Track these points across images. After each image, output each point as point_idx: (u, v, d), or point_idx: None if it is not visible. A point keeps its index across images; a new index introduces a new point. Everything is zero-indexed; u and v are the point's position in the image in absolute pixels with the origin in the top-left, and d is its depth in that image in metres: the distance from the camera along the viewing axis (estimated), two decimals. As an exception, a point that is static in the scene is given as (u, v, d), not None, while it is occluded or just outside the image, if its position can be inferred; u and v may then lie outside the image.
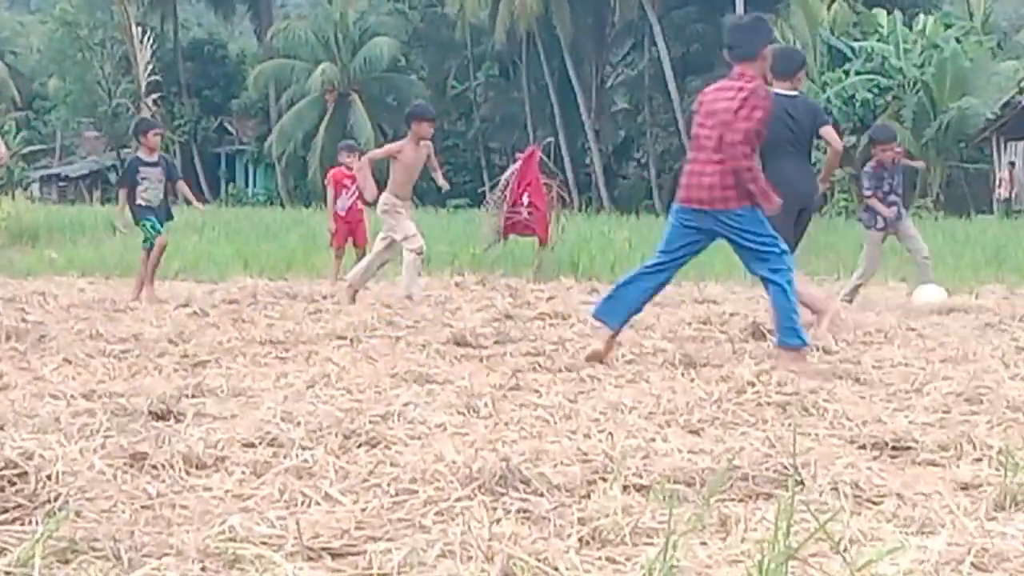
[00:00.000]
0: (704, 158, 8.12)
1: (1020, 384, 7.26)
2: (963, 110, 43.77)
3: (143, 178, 13.85)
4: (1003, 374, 7.68)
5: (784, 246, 8.18)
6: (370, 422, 5.87)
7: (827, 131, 9.95)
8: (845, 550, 3.82)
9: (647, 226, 29.72)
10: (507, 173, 17.29)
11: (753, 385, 6.89)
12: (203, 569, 3.74)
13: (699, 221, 8.17)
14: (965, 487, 4.89)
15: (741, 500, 4.67)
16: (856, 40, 45.90)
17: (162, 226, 13.99)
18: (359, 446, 5.48)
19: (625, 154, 59.02)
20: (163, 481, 4.82)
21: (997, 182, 43.88)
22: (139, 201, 13.84)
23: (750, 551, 3.84)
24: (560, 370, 7.96)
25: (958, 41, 44.77)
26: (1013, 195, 42.91)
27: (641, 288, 8.38)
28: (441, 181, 13.41)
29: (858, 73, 44.74)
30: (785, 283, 8.07)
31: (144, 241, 13.98)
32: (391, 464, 5.08)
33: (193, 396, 6.83)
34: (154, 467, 5.01)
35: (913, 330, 10.02)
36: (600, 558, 3.91)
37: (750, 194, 7.99)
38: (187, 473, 4.99)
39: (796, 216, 9.65)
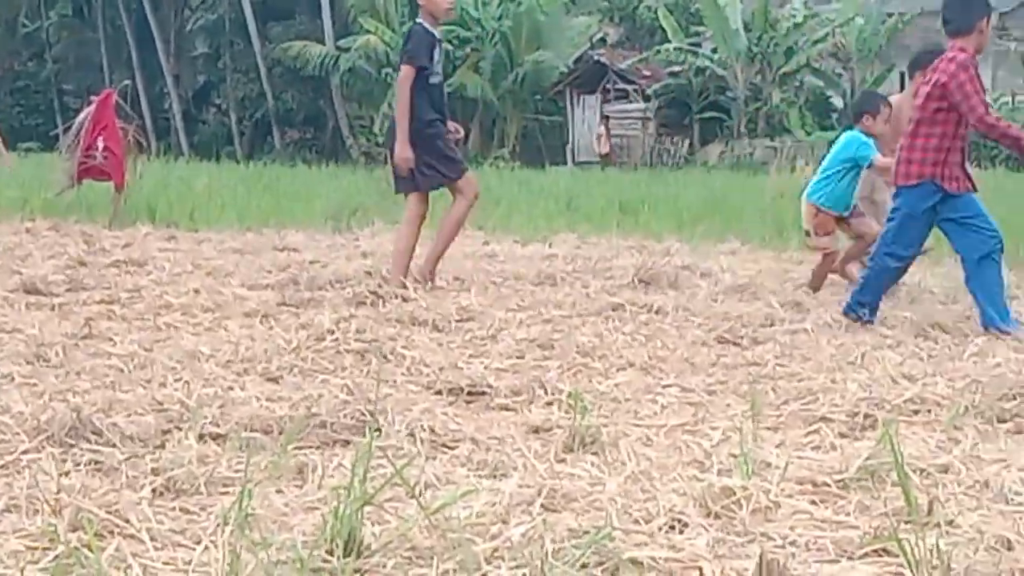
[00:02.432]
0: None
1: (589, 330, 7.52)
2: (538, 63, 44.98)
3: None
4: (574, 321, 7.93)
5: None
6: (-70, 373, 5.59)
7: None
8: (420, 494, 3.87)
9: (227, 172, 29.36)
10: (81, 116, 16.66)
11: (332, 333, 6.89)
12: None
13: None
14: (537, 430, 5.04)
15: (319, 447, 4.67)
16: (438, -8, 46.36)
17: None
18: (-82, 399, 5.21)
19: (205, 99, 58.03)
20: None
21: (596, 137, 45.30)
22: None
23: (326, 498, 3.85)
24: (136, 318, 7.77)
25: (534, -5, 45.93)
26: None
27: None
28: None
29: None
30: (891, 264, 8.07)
31: None
32: (-47, 417, 4.84)
33: None
34: None
35: (494, 283, 10.23)
36: (174, 508, 3.84)
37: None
38: None
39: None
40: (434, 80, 9.50)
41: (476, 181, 9.86)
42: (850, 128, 9.53)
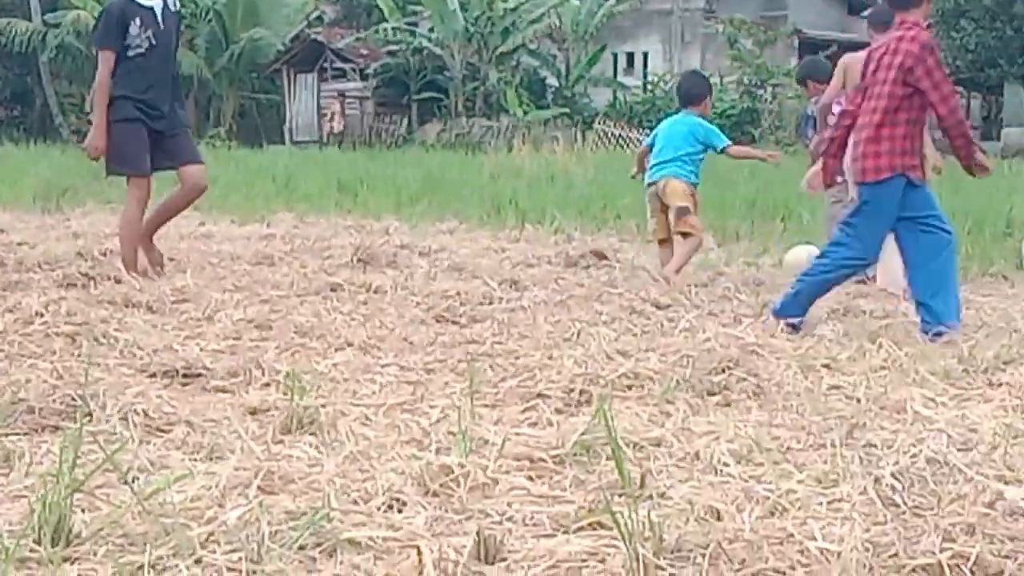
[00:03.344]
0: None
1: (307, 310, 7.47)
2: (255, 40, 44.42)
3: None
4: (292, 301, 7.87)
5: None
6: None
7: None
8: (134, 480, 3.78)
9: None
10: None
11: (41, 315, 6.69)
12: None
13: None
14: (254, 412, 4.98)
15: (26, 434, 4.53)
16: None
17: None
18: None
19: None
20: None
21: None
22: None
23: (34, 485, 3.72)
24: None
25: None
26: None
27: None
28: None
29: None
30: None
31: None
32: None
33: None
34: None
35: (211, 263, 10.07)
36: None
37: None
38: None
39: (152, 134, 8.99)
40: (132, 53, 8.96)
41: (147, 187, 9.02)
42: (680, 111, 9.61)
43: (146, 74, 9.00)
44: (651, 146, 9.70)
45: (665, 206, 9.38)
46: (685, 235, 9.29)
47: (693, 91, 9.69)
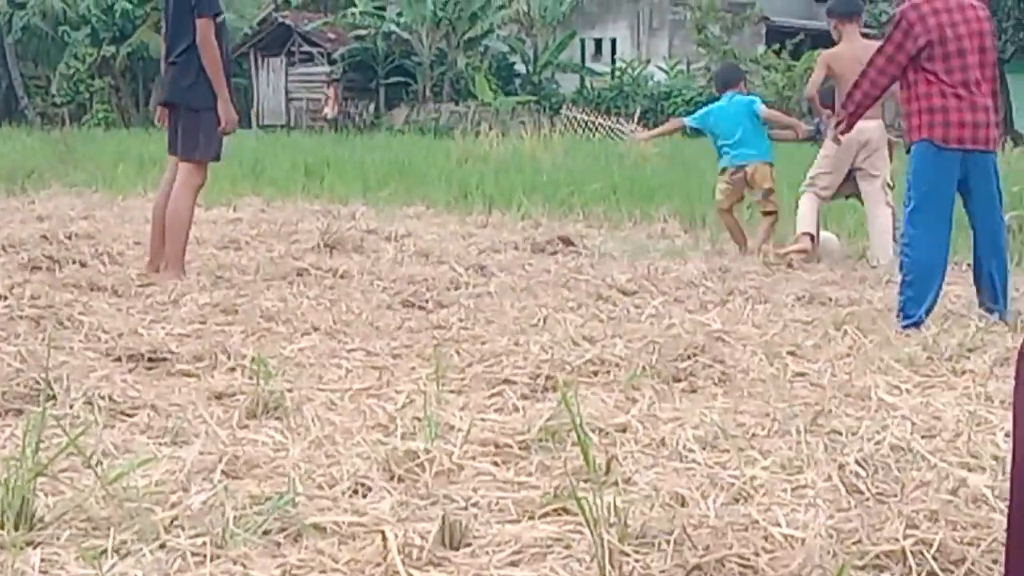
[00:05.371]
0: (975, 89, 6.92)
1: (274, 294, 7.45)
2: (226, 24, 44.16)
3: None
4: (258, 285, 7.84)
5: None
6: None
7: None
8: (98, 464, 3.77)
9: None
10: None
11: (5, 299, 6.67)
12: None
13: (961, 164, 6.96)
14: (219, 396, 4.97)
15: (-11, 418, 4.50)
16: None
17: None
18: None
19: None
20: None
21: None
22: None
23: (-3, 470, 3.70)
24: None
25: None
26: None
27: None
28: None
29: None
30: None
31: None
32: None
33: None
34: None
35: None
36: None
37: None
38: None
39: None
40: (220, 19, 8.11)
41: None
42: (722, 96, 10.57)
43: (222, 48, 8.17)
44: (708, 132, 10.61)
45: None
46: (767, 213, 10.31)
47: (727, 76, 10.92)
